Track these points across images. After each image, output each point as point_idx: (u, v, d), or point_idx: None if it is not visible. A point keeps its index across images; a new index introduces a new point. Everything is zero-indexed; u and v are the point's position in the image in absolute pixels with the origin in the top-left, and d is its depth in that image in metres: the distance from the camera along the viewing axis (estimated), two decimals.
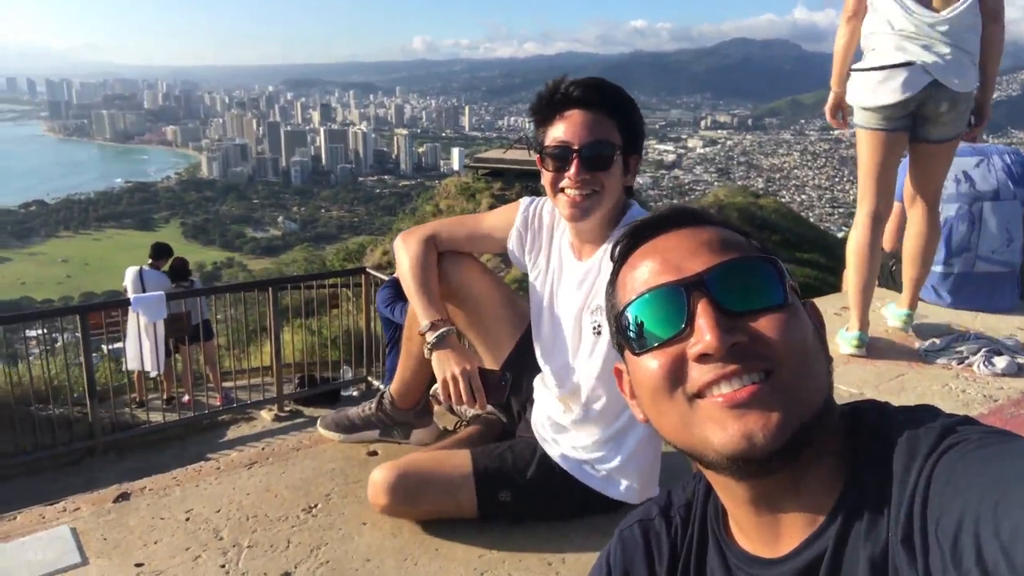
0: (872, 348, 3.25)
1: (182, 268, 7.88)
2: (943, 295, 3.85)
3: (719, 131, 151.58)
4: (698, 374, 0.74)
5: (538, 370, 2.01)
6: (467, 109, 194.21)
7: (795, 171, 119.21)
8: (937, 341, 3.33)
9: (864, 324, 3.23)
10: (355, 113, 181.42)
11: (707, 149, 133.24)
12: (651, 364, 0.78)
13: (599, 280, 1.81)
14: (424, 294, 1.97)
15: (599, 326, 1.79)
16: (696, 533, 0.89)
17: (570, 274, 1.91)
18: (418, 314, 1.97)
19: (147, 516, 1.97)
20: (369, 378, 7.45)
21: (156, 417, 6.57)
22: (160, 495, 2.06)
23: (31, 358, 7.00)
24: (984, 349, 3.20)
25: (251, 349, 8.45)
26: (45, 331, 6.59)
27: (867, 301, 3.21)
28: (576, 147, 1.71)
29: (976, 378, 3.05)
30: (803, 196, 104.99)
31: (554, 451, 1.93)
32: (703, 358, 0.74)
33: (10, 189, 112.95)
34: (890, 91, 2.94)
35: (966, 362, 3.18)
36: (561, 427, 1.94)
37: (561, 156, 1.73)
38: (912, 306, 3.47)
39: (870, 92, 3.01)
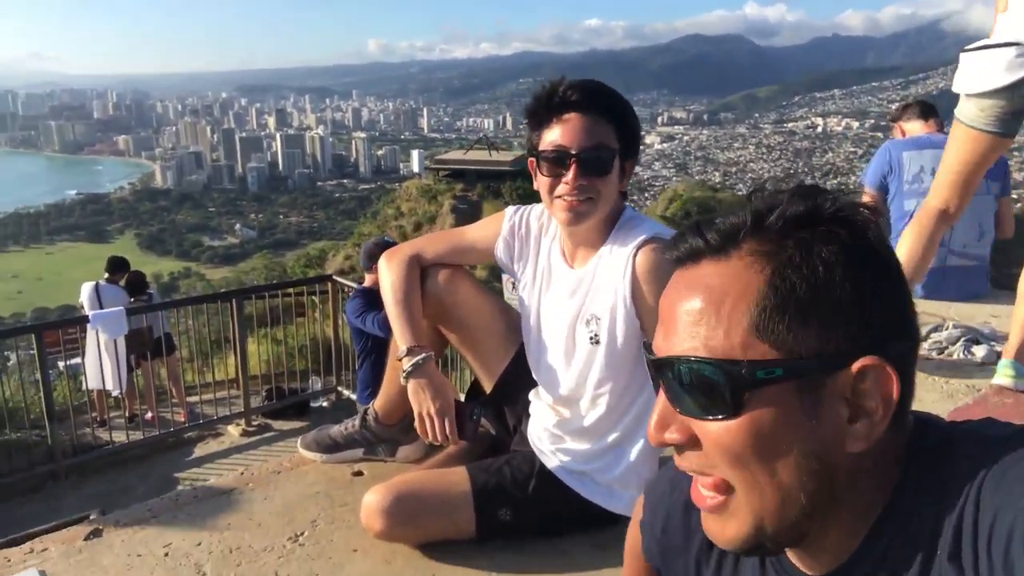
0: None
1: (139, 282, 7.62)
2: (915, 288, 3.87)
3: (676, 127, 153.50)
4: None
5: (534, 383, 1.94)
6: (425, 111, 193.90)
7: (751, 164, 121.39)
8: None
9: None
10: (311, 117, 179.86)
11: (665, 145, 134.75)
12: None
13: (593, 288, 1.75)
14: (404, 317, 1.88)
15: (596, 336, 1.73)
16: None
17: (561, 282, 1.84)
18: (396, 338, 1.89)
19: (122, 554, 1.84)
20: (339, 388, 7.31)
21: (119, 436, 6.34)
22: (135, 529, 1.94)
23: None
24: (963, 338, 3.22)
25: (214, 361, 8.23)
26: None
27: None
28: (574, 152, 1.65)
29: (957, 368, 3.05)
30: None
31: (552, 463, 1.86)
32: None
33: None
34: (983, 76, 2.46)
35: (945, 352, 3.19)
36: (558, 437, 1.87)
37: (558, 160, 1.66)
38: (1020, 357, 2.64)
39: (965, 76, 2.55)
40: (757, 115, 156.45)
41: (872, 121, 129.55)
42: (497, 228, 1.96)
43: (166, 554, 1.84)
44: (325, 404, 7.32)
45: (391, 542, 1.84)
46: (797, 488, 0.68)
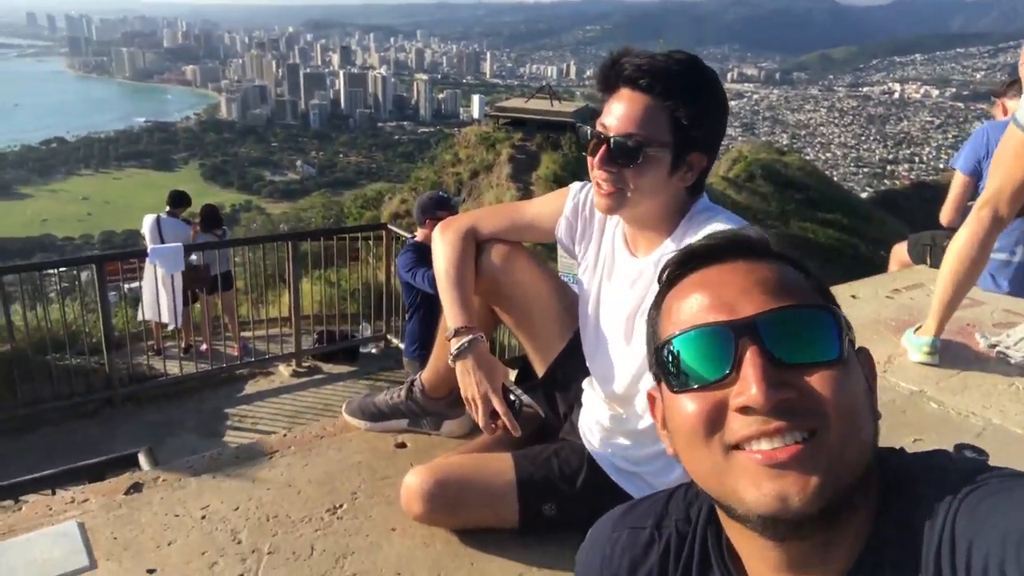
0: None
1: (212, 216, 7.62)
2: (1001, 283, 3.61)
3: (745, 84, 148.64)
4: (738, 426, 0.71)
5: (588, 372, 1.83)
6: (489, 55, 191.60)
7: (821, 128, 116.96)
8: (1000, 332, 3.12)
9: (941, 329, 2.81)
10: (375, 57, 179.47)
11: (733, 103, 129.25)
12: (689, 406, 0.74)
13: (656, 282, 1.60)
14: (455, 295, 1.78)
15: None
16: (696, 556, 0.85)
17: (623, 270, 1.70)
18: (446, 316, 1.80)
19: (160, 512, 1.82)
20: (388, 336, 7.34)
21: (173, 367, 6.51)
22: (175, 487, 1.92)
23: (50, 297, 6.96)
24: None
25: (269, 297, 8.36)
26: (64, 270, 6.63)
27: (955, 307, 2.78)
28: (609, 135, 1.48)
29: None
30: (828, 154, 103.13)
31: (603, 459, 1.76)
32: (746, 410, 0.70)
33: (31, 126, 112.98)
34: None
35: None
36: (611, 432, 1.76)
37: (597, 139, 1.51)
38: None
39: None
40: (831, 77, 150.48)
41: (953, 90, 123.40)
42: (559, 206, 1.82)
43: (203, 516, 1.81)
44: (374, 350, 7.38)
45: (428, 526, 1.78)
46: (866, 432, 0.73)
